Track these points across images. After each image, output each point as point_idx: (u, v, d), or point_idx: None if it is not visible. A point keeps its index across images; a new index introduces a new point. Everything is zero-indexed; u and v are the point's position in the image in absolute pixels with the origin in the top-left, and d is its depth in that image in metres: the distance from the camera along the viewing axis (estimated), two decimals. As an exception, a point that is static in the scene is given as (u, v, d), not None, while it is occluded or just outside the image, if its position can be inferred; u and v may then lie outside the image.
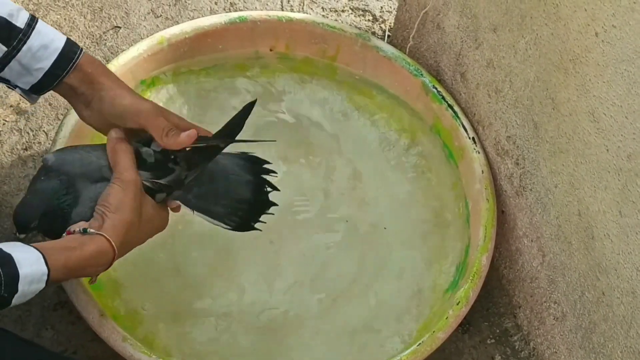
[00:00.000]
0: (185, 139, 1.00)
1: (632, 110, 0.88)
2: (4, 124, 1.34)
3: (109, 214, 0.95)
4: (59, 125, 1.18)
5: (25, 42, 0.97)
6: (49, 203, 0.97)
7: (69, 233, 0.95)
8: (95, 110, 1.03)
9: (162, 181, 1.01)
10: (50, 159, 1.00)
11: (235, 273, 1.21)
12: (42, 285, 0.88)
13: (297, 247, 1.24)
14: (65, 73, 0.99)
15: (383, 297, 1.21)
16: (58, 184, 0.98)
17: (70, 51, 1.00)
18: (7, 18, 0.96)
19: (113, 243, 0.94)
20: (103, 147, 1.02)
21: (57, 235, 0.96)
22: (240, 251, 1.22)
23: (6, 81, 1.00)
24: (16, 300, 0.86)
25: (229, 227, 1.08)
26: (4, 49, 0.96)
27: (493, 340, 1.24)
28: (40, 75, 0.99)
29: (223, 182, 1.09)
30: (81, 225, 0.95)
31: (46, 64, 0.98)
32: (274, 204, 1.11)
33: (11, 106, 1.35)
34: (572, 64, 0.97)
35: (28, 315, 1.19)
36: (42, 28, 0.98)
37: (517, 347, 1.24)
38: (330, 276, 1.22)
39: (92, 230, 0.93)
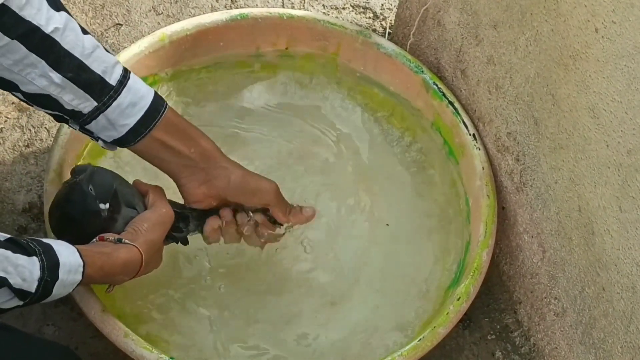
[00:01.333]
0: (310, 214, 1.15)
1: (632, 106, 0.88)
2: (5, 120, 1.34)
3: (145, 232, 1.01)
4: (61, 122, 1.19)
5: (115, 99, 0.99)
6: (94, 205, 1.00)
7: (101, 239, 0.98)
8: (216, 188, 1.08)
9: (174, 233, 1.08)
10: (89, 167, 1.03)
11: (234, 272, 1.21)
12: (79, 277, 0.92)
13: (299, 244, 1.24)
14: (148, 130, 1.02)
15: (385, 294, 1.21)
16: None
17: (155, 109, 1.02)
18: (102, 75, 0.98)
19: (143, 257, 0.99)
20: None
21: (81, 238, 0.98)
22: (238, 250, 1.22)
23: (90, 133, 1.03)
24: (57, 290, 0.90)
25: None
26: (95, 103, 0.99)
27: (493, 336, 1.25)
28: (124, 131, 1.01)
29: None
30: (114, 235, 0.99)
31: (132, 120, 1.01)
32: None
33: (13, 103, 1.35)
34: (572, 60, 0.97)
35: (29, 311, 1.19)
36: (133, 84, 1.01)
37: (517, 343, 1.24)
38: (332, 271, 1.23)
39: (126, 240, 0.98)
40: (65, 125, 1.16)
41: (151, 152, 1.05)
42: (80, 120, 1.00)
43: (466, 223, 1.22)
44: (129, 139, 1.02)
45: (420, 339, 1.08)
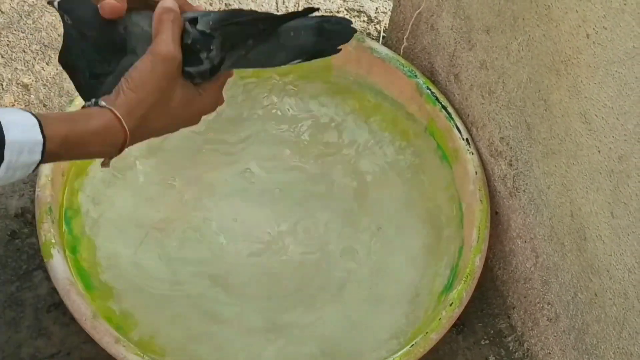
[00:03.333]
0: None
1: (623, 112, 0.88)
2: (-2, 125, 1.34)
3: (127, 90, 0.82)
4: (53, 127, 1.18)
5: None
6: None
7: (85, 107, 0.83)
8: None
9: (190, 69, 0.85)
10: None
11: (231, 278, 1.21)
12: (37, 157, 0.76)
13: (293, 250, 1.24)
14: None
15: (378, 300, 1.21)
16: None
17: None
18: None
19: (124, 122, 0.81)
20: (150, 14, 0.84)
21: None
22: (236, 255, 1.22)
23: None
24: (3, 171, 0.75)
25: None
26: None
27: (487, 341, 1.24)
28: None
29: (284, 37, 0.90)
30: (95, 99, 0.82)
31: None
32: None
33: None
34: (563, 65, 0.97)
35: (22, 317, 1.19)
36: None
37: (511, 348, 1.24)
38: (324, 278, 1.23)
39: (103, 102, 0.81)
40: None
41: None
42: None
43: (459, 228, 1.22)
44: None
45: (413, 345, 1.08)
